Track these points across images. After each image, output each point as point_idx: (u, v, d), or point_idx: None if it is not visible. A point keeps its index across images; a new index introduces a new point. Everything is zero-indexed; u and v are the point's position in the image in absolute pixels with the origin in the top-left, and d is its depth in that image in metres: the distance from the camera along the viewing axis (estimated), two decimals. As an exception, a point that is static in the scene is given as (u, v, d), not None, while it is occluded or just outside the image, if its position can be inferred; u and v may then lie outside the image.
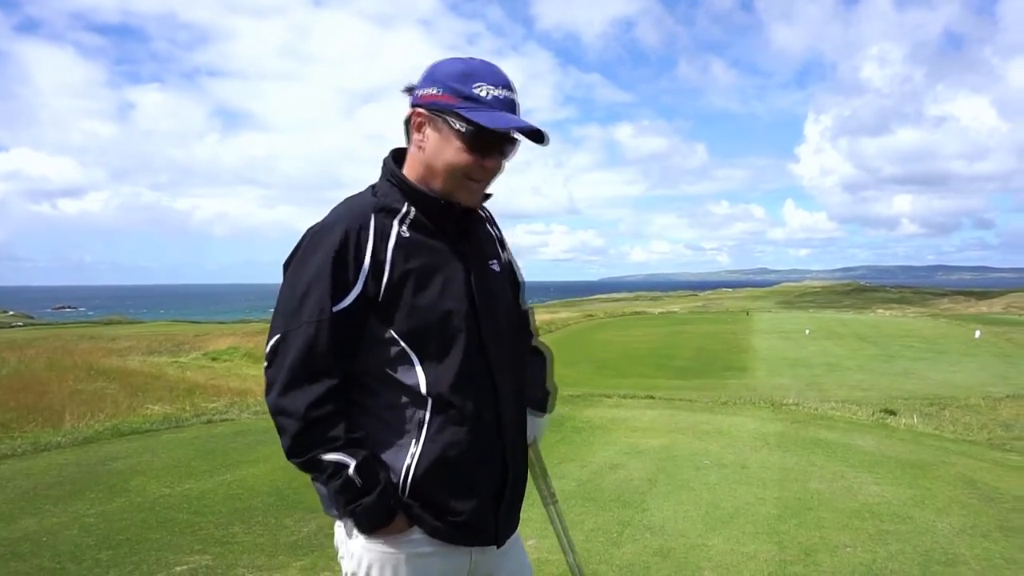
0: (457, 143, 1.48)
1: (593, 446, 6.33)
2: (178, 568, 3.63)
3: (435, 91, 1.50)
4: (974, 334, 25.53)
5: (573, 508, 4.54)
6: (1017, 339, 25.34)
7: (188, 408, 7.36)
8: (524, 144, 1.58)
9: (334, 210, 1.57)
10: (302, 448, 1.46)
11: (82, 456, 5.85)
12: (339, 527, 1.60)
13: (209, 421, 7.27)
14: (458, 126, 1.47)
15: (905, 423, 7.63)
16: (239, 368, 13.09)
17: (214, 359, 14.50)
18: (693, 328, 28.56)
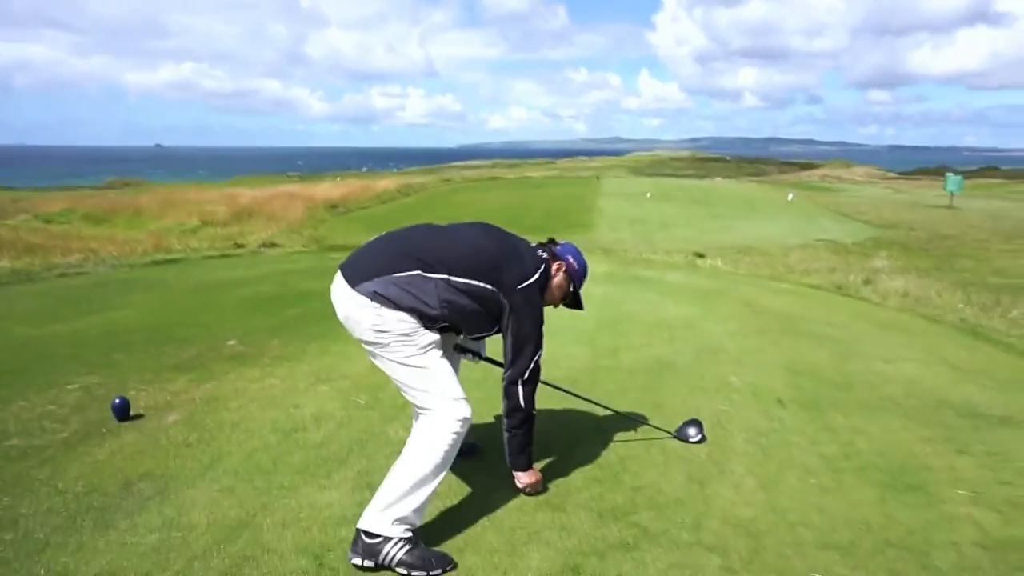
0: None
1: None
2: (69, 387, 4.00)
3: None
4: (787, 197, 28.95)
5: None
6: (821, 201, 29.08)
7: (37, 263, 7.19)
8: None
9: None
10: None
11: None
12: (390, 315, 2.39)
13: (63, 275, 7.20)
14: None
15: (710, 264, 9.08)
16: (80, 230, 12.27)
17: (48, 221, 13.41)
18: (545, 191, 29.85)
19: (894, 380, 4.52)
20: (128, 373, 4.23)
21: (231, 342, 4.90)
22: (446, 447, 2.41)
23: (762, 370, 4.60)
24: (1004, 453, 3.46)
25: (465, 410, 2.45)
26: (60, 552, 2.43)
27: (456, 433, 2.43)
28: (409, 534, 2.39)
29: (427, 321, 2.47)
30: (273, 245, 9.90)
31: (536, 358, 2.65)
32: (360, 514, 2.42)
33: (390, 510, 2.36)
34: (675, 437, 3.47)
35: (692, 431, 3.47)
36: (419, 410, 2.50)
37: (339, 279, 2.50)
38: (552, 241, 2.92)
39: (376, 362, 2.54)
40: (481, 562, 2.44)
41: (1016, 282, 9.92)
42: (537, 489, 2.88)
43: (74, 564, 2.37)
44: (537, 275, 2.65)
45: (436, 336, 2.49)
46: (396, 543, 2.35)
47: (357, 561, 2.36)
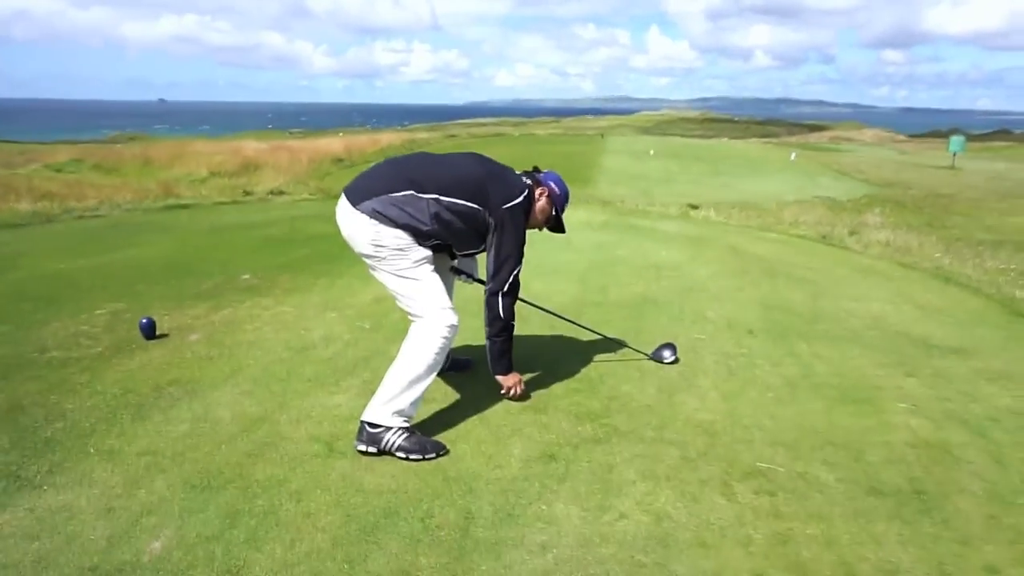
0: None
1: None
2: (98, 312, 4.37)
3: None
4: (790, 156, 28.98)
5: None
6: (823, 161, 29.14)
7: (55, 207, 7.50)
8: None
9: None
10: None
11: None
12: (387, 231, 2.70)
13: (80, 217, 7.53)
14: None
15: (703, 215, 9.35)
16: (91, 179, 12.53)
17: (58, 171, 13.66)
18: (549, 148, 29.92)
19: (860, 316, 4.86)
20: (151, 300, 4.59)
21: (245, 276, 5.25)
22: (436, 349, 2.76)
23: (738, 305, 4.94)
24: (949, 376, 3.81)
25: (452, 318, 2.79)
26: (105, 436, 2.82)
27: (444, 338, 2.76)
28: (407, 424, 2.76)
29: (420, 238, 2.79)
30: (281, 193, 10.19)
31: (515, 272, 2.95)
32: (365, 410, 2.79)
33: (389, 404, 2.71)
34: (651, 359, 3.83)
35: (667, 353, 3.82)
36: (412, 317, 2.84)
37: (342, 200, 2.81)
38: (536, 169, 3.21)
39: (375, 274, 2.87)
40: (470, 450, 2.81)
41: (1002, 237, 10.19)
42: (518, 392, 3.22)
43: (118, 445, 2.75)
44: (521, 198, 2.95)
45: (428, 252, 2.81)
46: (396, 431, 2.72)
47: (362, 448, 2.73)
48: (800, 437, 3.02)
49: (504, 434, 2.95)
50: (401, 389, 2.73)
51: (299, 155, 18.62)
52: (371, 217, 2.71)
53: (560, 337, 4.15)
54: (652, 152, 28.40)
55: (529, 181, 3.08)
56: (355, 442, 2.75)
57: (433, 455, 2.73)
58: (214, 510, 2.35)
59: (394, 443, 2.71)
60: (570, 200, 3.27)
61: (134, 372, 3.46)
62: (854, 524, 2.40)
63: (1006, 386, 3.70)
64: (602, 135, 45.04)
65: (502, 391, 3.22)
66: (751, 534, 2.32)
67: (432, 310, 2.76)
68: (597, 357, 3.86)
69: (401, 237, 2.73)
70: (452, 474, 2.63)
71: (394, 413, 2.72)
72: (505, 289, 2.95)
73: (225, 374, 3.48)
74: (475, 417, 3.09)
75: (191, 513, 2.33)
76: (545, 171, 3.21)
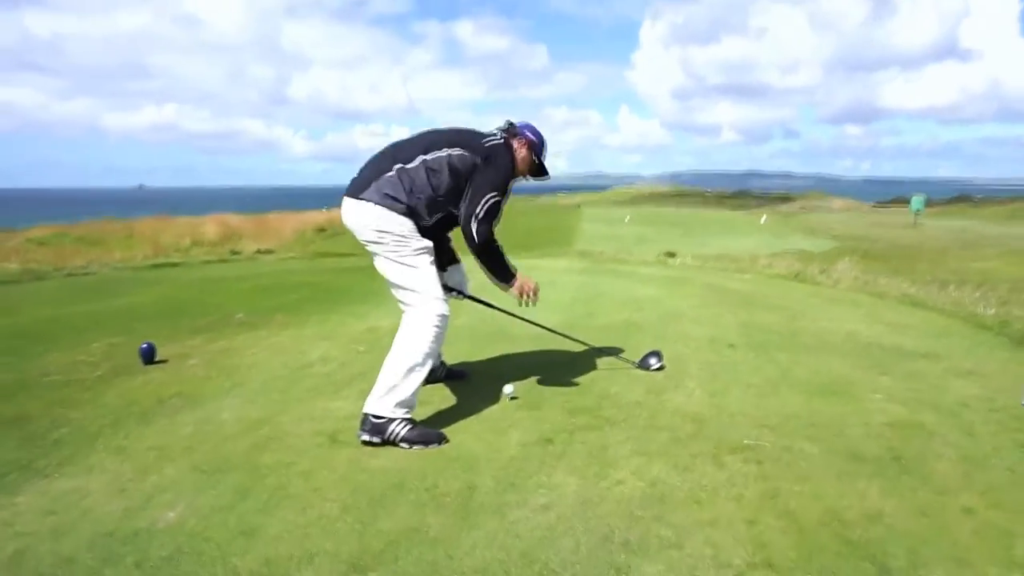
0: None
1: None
2: (95, 344, 4.43)
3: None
4: (760, 219, 29.98)
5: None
6: (793, 223, 30.15)
7: (46, 263, 7.56)
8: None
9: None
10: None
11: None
12: (390, 218, 2.85)
13: (70, 275, 7.61)
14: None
15: (680, 261, 9.67)
16: (76, 247, 12.61)
17: (42, 243, 13.73)
18: (526, 219, 30.56)
19: (834, 332, 5.07)
20: (147, 335, 4.63)
21: (239, 315, 5.36)
22: (431, 338, 2.88)
23: (718, 327, 5.14)
24: (921, 375, 4.00)
25: (444, 308, 2.93)
26: (111, 438, 2.89)
27: (436, 327, 2.89)
28: (409, 415, 2.86)
29: (419, 218, 2.92)
30: (269, 252, 10.37)
31: (491, 199, 2.96)
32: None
33: (390, 395, 2.82)
34: (638, 367, 3.98)
35: (653, 360, 3.98)
36: (405, 307, 2.97)
37: (345, 200, 2.97)
38: (509, 124, 3.26)
39: (376, 263, 2.99)
40: (471, 439, 2.91)
41: (966, 278, 10.59)
42: (532, 291, 3.19)
43: (126, 443, 2.83)
44: (502, 141, 3.09)
45: (428, 243, 2.98)
46: (399, 423, 2.82)
47: (366, 438, 2.82)
48: (783, 421, 3.16)
49: (502, 427, 3.06)
50: (400, 378, 2.83)
51: (283, 225, 18.91)
52: (373, 203, 2.87)
53: (550, 349, 4.31)
54: (628, 219, 29.24)
55: (504, 134, 3.17)
56: (359, 432, 2.83)
57: (436, 444, 2.83)
58: (225, 488, 2.42)
59: (398, 434, 2.80)
60: (549, 160, 3.33)
61: (135, 389, 3.54)
62: (838, 483, 2.53)
63: (975, 380, 3.89)
64: (578, 206, 46.25)
65: (517, 300, 3.20)
66: (742, 492, 2.44)
67: (426, 300, 2.90)
68: (587, 364, 4.02)
69: (404, 224, 2.89)
70: (454, 455, 2.73)
71: (396, 404, 2.82)
72: (479, 213, 2.95)
73: (226, 388, 3.57)
74: (472, 416, 3.19)
75: (202, 491, 2.40)
76: (519, 122, 3.27)
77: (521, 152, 3.18)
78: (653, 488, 2.46)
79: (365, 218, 2.90)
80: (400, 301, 3.00)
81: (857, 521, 2.25)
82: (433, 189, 2.93)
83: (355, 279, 7.16)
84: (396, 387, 2.83)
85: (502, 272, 3.13)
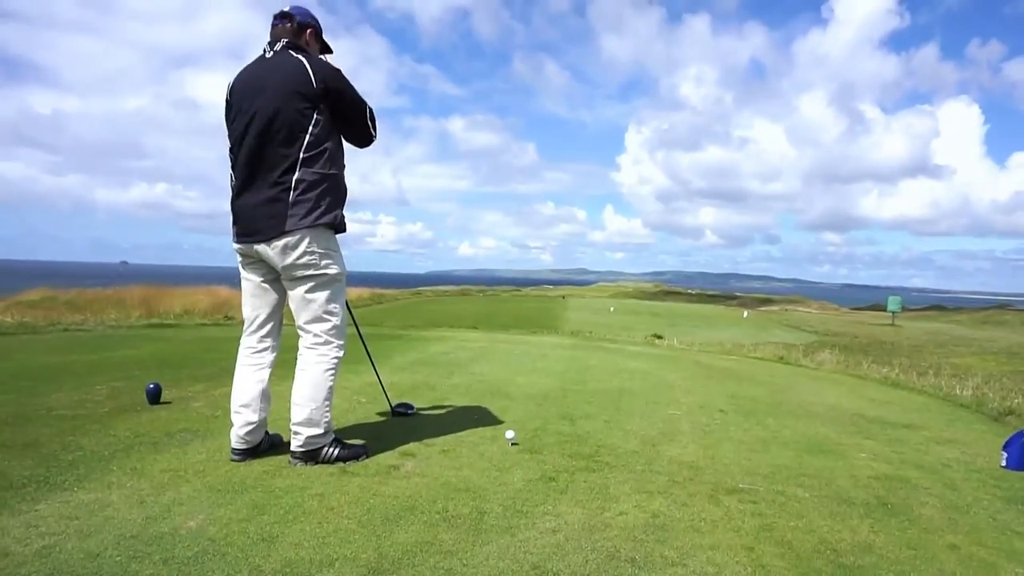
0: None
1: (428, 342, 7.75)
2: (98, 387, 4.49)
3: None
4: (742, 314, 30.59)
5: (417, 369, 5.92)
6: (774, 318, 30.73)
7: (41, 319, 7.60)
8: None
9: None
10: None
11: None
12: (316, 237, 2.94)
13: (66, 330, 7.65)
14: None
15: (667, 343, 9.90)
16: (71, 312, 12.54)
17: (32, 306, 13.65)
18: (512, 304, 31.08)
19: (819, 404, 5.25)
20: (150, 381, 4.73)
21: (238, 367, 5.44)
22: (336, 371, 3.17)
23: (707, 396, 5.30)
24: (903, 441, 4.17)
25: (345, 346, 3.18)
26: (125, 462, 2.95)
27: (339, 359, 3.15)
28: (333, 437, 3.13)
29: (328, 201, 2.96)
30: (261, 319, 10.44)
31: (366, 108, 3.07)
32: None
33: (318, 425, 3.05)
34: (396, 409, 4.14)
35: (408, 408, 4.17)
36: (313, 339, 3.09)
37: (253, 250, 2.99)
38: (283, 14, 3.01)
39: (307, 295, 3.02)
40: (477, 474, 3.01)
41: (941, 371, 10.92)
42: None
43: (141, 466, 2.89)
44: (308, 59, 2.92)
45: (345, 271, 3.14)
46: (331, 445, 3.10)
47: (301, 464, 3.01)
48: (775, 471, 3.29)
49: (505, 465, 3.16)
50: (322, 410, 3.09)
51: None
52: (291, 233, 2.89)
53: (544, 407, 4.43)
54: (612, 309, 29.71)
55: (286, 38, 2.95)
56: (292, 462, 3.02)
57: (364, 455, 3.17)
58: (241, 504, 2.50)
59: (331, 454, 3.07)
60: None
61: (144, 423, 3.60)
62: (831, 520, 2.65)
63: (955, 446, 4.06)
64: (563, 297, 46.88)
65: None
66: (740, 525, 2.55)
67: (339, 337, 3.14)
68: (581, 423, 4.13)
69: (328, 239, 3.02)
70: (462, 487, 2.82)
71: (325, 431, 3.08)
72: (375, 133, 3.16)
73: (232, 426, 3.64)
74: (476, 456, 3.29)
75: (220, 506, 2.47)
76: (290, 7, 3.03)
77: (315, 47, 3.09)
78: (655, 519, 2.57)
79: (293, 251, 2.93)
80: (312, 333, 3.11)
81: (850, 550, 2.37)
82: (330, 147, 2.96)
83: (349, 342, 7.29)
84: (321, 416, 3.08)
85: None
